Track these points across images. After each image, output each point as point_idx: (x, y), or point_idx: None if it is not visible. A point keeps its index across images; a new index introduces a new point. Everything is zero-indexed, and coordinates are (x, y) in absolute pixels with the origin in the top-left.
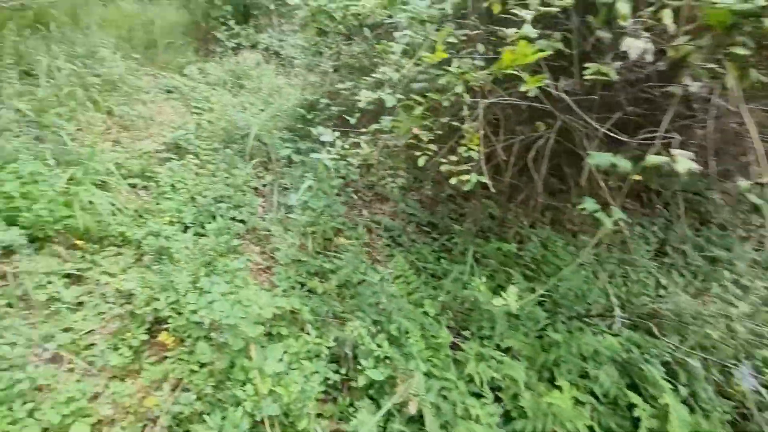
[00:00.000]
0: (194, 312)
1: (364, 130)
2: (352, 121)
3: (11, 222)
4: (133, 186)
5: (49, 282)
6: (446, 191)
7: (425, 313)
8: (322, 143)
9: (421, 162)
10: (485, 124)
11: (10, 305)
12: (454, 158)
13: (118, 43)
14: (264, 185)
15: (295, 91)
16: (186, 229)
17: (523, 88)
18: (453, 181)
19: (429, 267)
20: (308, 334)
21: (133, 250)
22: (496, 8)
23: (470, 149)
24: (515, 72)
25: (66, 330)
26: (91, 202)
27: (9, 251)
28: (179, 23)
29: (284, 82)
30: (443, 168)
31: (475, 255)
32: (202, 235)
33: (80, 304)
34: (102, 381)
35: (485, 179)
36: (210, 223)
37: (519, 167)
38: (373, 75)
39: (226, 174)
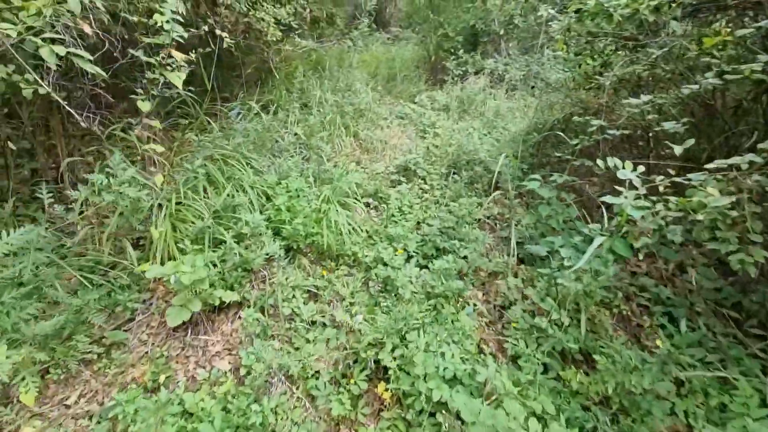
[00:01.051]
0: (421, 378)
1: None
2: (678, 150)
3: (276, 232)
4: (367, 205)
5: (293, 296)
6: None
7: None
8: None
9: None
10: None
11: (263, 311)
12: None
13: (367, 79)
14: (488, 218)
15: (523, 115)
16: (409, 258)
17: None
18: None
19: (757, 385)
20: None
21: (362, 273)
22: None
23: None
24: None
25: (298, 355)
26: (335, 222)
27: (270, 258)
28: (414, 58)
29: (508, 107)
30: None
31: None
32: (424, 267)
33: (313, 323)
34: (321, 428)
35: None
36: (435, 257)
37: None
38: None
39: (451, 201)
